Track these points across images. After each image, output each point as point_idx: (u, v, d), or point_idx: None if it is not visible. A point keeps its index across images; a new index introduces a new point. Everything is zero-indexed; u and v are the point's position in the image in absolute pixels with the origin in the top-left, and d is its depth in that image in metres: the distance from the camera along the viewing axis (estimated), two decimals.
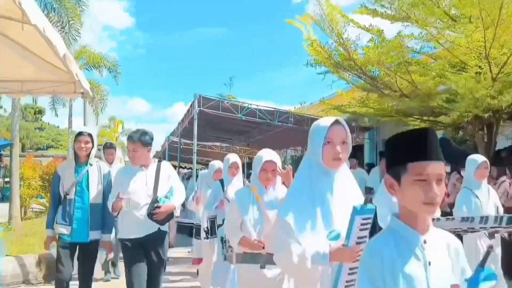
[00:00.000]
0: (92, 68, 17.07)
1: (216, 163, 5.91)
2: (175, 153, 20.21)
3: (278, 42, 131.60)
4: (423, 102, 7.96)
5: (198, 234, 5.97)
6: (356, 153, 16.80)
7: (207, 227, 5.25)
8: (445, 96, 7.51)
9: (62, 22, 12.24)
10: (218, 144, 18.96)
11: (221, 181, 5.08)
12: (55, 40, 3.86)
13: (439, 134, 11.19)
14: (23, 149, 43.73)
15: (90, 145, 4.27)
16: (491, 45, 7.02)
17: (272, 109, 10.04)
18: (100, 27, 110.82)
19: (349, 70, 8.95)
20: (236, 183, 4.98)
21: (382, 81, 8.76)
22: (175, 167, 24.72)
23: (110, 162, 6.34)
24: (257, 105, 9.85)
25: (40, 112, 54.26)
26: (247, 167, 26.30)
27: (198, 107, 9.39)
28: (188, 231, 6.41)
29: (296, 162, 21.56)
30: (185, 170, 27.34)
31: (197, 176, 13.29)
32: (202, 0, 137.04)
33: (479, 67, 7.34)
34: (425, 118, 10.00)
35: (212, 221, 5.09)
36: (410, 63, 7.27)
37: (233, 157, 5.17)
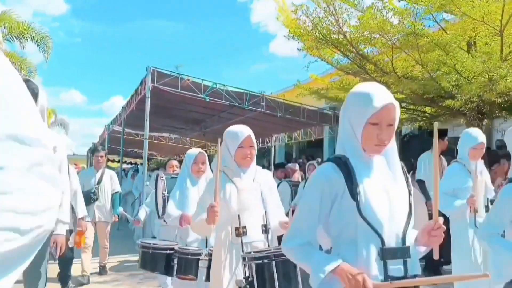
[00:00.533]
0: (15, 38, 14.27)
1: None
2: (117, 146, 18.04)
3: (222, 35, 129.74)
4: (425, 84, 6.75)
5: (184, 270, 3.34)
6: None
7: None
8: (454, 76, 6.32)
9: None
10: (166, 135, 17.01)
11: None
12: None
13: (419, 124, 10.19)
14: None
15: None
16: (508, 20, 6.01)
17: (242, 91, 8.43)
18: (30, 12, 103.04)
19: (335, 46, 7.56)
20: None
21: (373, 60, 7.49)
22: (117, 162, 22.57)
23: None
24: (224, 85, 8.19)
25: None
26: None
27: (151, 83, 7.57)
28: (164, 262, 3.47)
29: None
30: (128, 166, 24.95)
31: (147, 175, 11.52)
32: None
33: (487, 44, 6.36)
34: (412, 107, 8.97)
35: None
36: (421, 34, 5.97)
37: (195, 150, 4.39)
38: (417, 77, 7.18)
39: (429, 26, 6.82)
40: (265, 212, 2.69)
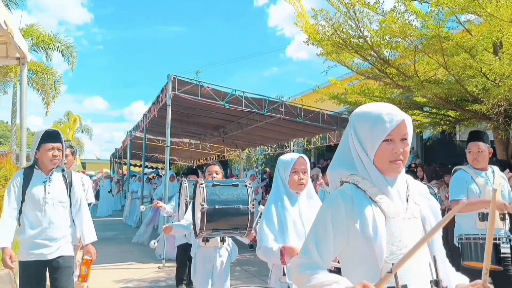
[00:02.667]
0: (41, 50, 14.62)
1: None
2: (138, 151, 18.28)
3: (241, 41, 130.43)
4: (450, 88, 6.61)
5: None
6: None
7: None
8: (480, 80, 6.17)
9: None
10: (186, 140, 17.12)
11: None
12: None
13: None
14: None
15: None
16: None
17: (261, 97, 8.43)
18: (55, 22, 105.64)
19: (356, 51, 7.48)
20: None
21: (395, 65, 7.38)
22: (139, 167, 22.88)
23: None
24: (243, 92, 8.20)
25: None
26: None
27: (172, 91, 7.64)
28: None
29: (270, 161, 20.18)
30: (149, 170, 25.26)
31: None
32: None
33: None
34: (434, 111, 8.81)
35: None
36: (445, 38, 5.85)
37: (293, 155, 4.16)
38: (440, 81, 7.04)
39: (452, 28, 6.69)
40: (434, 259, 1.54)
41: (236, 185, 3.17)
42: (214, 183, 3.20)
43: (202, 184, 3.12)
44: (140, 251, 9.19)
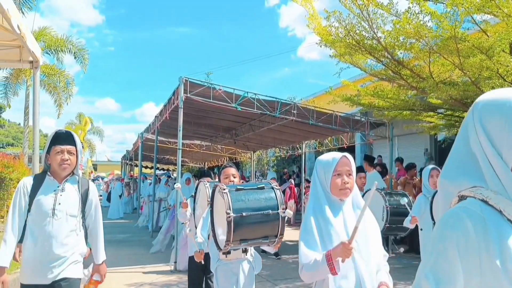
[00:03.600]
0: (53, 52, 14.76)
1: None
2: (150, 153, 18.33)
3: (250, 42, 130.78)
4: (466, 90, 6.49)
5: None
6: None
7: None
8: (498, 81, 6.05)
9: None
10: (197, 142, 17.12)
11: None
12: None
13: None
14: None
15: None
16: None
17: (273, 99, 8.36)
18: (67, 24, 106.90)
19: (369, 52, 7.39)
20: None
21: (410, 66, 7.28)
22: (150, 169, 22.97)
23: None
24: (255, 94, 8.14)
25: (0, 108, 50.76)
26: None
27: (184, 93, 7.61)
28: None
29: (281, 163, 20.11)
30: (160, 172, 25.35)
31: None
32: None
33: None
34: (449, 112, 8.68)
35: None
36: (461, 39, 5.73)
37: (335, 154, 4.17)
38: (456, 82, 6.92)
39: (468, 29, 6.57)
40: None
41: (262, 188, 2.83)
42: (238, 187, 2.83)
43: (224, 189, 2.76)
44: (152, 254, 9.18)
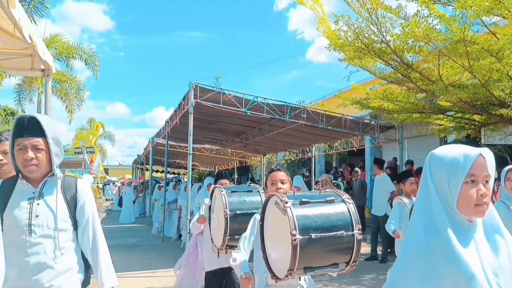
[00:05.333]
0: (65, 59, 15.02)
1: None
2: (159, 157, 18.47)
3: (259, 46, 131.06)
4: (476, 93, 6.45)
5: None
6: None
7: None
8: (508, 84, 6.01)
9: None
10: (208, 146, 17.21)
11: None
12: None
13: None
14: None
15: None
16: None
17: (283, 103, 8.40)
18: (78, 29, 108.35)
19: (378, 56, 7.39)
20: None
21: (419, 69, 7.26)
22: (161, 173, 23.09)
23: None
24: (265, 98, 8.18)
25: (13, 113, 51.40)
26: (239, 172, 24.89)
27: (194, 99, 7.68)
28: None
29: (292, 166, 20.10)
30: (171, 176, 25.52)
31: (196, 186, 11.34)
32: (181, 4, 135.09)
33: None
34: (459, 115, 8.62)
35: None
36: (470, 41, 5.71)
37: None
38: (465, 85, 6.88)
39: (477, 31, 6.54)
40: None
41: (332, 201, 2.27)
42: (303, 199, 2.24)
43: (286, 203, 2.17)
44: (163, 259, 9.23)
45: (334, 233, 2.16)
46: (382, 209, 8.50)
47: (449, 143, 11.92)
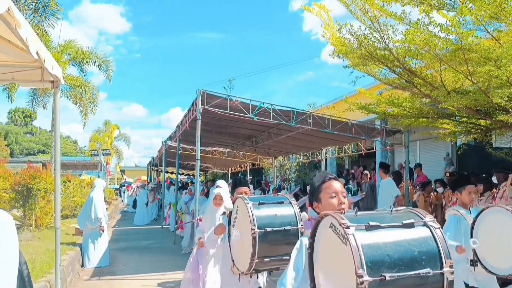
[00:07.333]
0: (79, 64, 15.43)
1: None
2: (173, 159, 18.72)
3: (274, 46, 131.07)
4: (477, 99, 6.49)
5: None
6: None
7: None
8: (507, 91, 6.04)
9: (36, 3, 10.51)
10: (219, 149, 17.43)
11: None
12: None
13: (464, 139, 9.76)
14: (11, 154, 42.19)
15: None
16: None
17: (289, 109, 8.54)
18: (95, 32, 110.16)
19: (382, 62, 7.47)
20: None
21: (422, 75, 7.32)
22: (171, 173, 23.30)
23: None
24: (271, 104, 8.33)
25: (30, 116, 52.61)
26: (251, 174, 25.02)
27: (201, 105, 7.88)
28: None
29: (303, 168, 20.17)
30: (184, 177, 25.84)
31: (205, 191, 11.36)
32: (196, 5, 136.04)
33: None
34: (465, 119, 8.63)
35: None
36: (469, 49, 5.77)
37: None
38: (467, 91, 6.93)
39: (480, 37, 6.56)
40: None
41: (410, 225, 1.70)
42: (370, 222, 1.65)
43: (348, 227, 1.63)
44: (175, 261, 9.43)
45: (417, 272, 1.56)
46: None
47: (459, 146, 11.91)
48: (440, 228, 1.73)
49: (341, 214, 1.77)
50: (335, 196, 2.22)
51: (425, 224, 1.72)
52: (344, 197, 2.25)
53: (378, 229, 1.64)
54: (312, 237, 1.93)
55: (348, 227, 1.61)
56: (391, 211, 1.84)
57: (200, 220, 5.27)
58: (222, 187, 5.13)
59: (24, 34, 3.47)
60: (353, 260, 1.53)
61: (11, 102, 15.35)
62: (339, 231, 1.67)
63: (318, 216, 1.99)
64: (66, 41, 15.00)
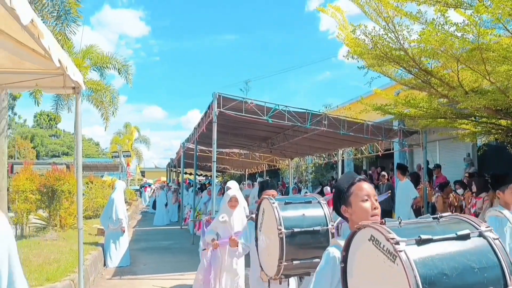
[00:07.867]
0: (100, 69, 15.85)
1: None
2: (191, 161, 18.95)
3: (291, 47, 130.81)
4: (496, 99, 6.43)
5: None
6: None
7: None
8: None
9: (58, 11, 10.87)
10: (236, 151, 17.57)
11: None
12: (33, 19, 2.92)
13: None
14: (37, 156, 43.34)
15: None
16: None
17: (303, 110, 8.60)
18: (116, 36, 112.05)
19: (397, 63, 7.46)
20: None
21: (439, 75, 7.28)
22: (190, 174, 23.49)
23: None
24: (286, 106, 8.41)
25: (54, 119, 53.82)
26: (268, 175, 25.09)
27: (217, 108, 8.00)
28: None
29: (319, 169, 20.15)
30: (202, 178, 26.12)
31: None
32: (213, 8, 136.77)
33: None
34: (484, 119, 8.54)
35: None
36: (487, 48, 5.73)
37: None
38: (486, 91, 6.86)
39: (499, 35, 6.48)
40: None
41: (465, 237, 1.48)
42: (421, 236, 1.42)
43: (398, 243, 1.39)
44: (194, 261, 9.53)
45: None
46: (405, 216, 8.51)
47: (479, 146, 11.75)
48: (500, 239, 1.51)
49: (380, 223, 1.52)
50: (367, 200, 1.99)
51: (481, 235, 1.50)
52: (377, 200, 2.02)
53: (431, 243, 1.41)
54: (346, 250, 1.69)
55: (398, 243, 1.38)
56: (438, 218, 1.61)
57: (208, 220, 5.37)
58: (233, 187, 5.15)
59: (47, 43, 3.64)
60: (407, 281, 1.31)
61: (38, 106, 15.93)
62: (384, 246, 1.43)
63: (350, 225, 1.93)
64: (87, 46, 15.45)
